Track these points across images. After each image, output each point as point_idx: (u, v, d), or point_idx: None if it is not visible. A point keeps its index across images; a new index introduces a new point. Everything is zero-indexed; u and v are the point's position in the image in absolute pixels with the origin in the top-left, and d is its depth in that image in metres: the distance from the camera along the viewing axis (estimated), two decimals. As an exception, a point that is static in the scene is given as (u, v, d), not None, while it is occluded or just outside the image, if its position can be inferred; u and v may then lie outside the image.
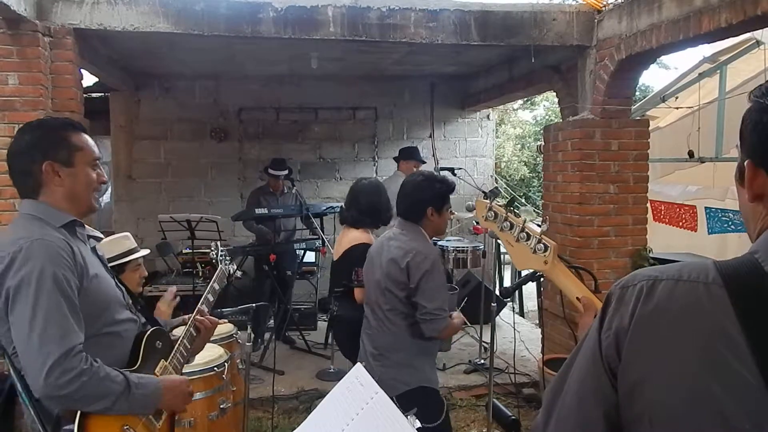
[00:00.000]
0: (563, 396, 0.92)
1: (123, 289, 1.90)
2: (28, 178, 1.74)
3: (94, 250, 1.88)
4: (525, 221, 1.35)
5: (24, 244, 1.61)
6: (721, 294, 0.80)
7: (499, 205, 1.40)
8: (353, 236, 3.36)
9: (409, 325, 2.71)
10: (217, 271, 2.45)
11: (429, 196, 2.77)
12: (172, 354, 1.91)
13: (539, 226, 1.39)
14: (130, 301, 1.92)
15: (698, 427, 0.79)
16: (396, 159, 6.03)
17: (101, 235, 2.26)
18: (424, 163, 6.11)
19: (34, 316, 1.56)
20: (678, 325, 0.82)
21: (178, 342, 1.96)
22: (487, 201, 1.43)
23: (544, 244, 1.32)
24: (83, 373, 1.55)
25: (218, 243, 2.64)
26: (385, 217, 3.43)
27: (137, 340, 1.82)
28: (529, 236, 1.34)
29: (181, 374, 1.95)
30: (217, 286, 2.34)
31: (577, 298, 1.26)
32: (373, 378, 2.36)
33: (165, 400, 1.75)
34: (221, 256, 2.55)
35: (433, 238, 3.24)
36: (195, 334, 2.04)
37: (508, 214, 1.38)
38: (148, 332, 1.84)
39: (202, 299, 2.19)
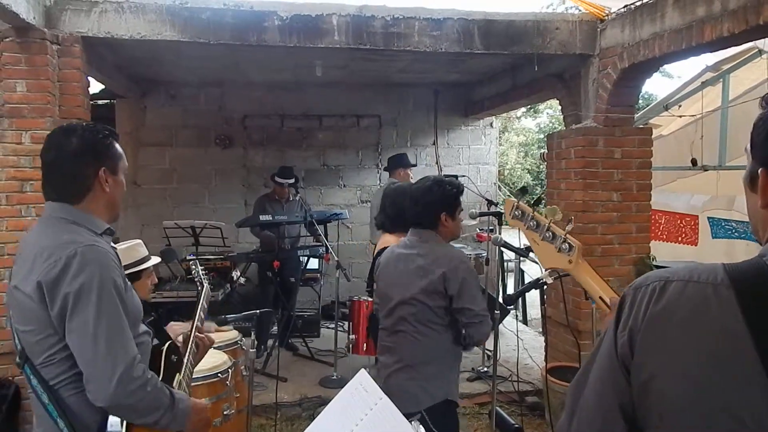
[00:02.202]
0: (585, 393, 0.95)
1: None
2: (77, 182, 1.69)
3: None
4: (551, 221, 1.36)
5: (78, 249, 1.56)
6: (728, 295, 0.83)
7: (526, 204, 1.42)
8: (385, 239, 3.31)
9: (445, 334, 2.61)
10: (204, 290, 2.39)
11: (440, 201, 2.68)
12: (183, 369, 1.90)
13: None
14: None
15: (704, 422, 0.81)
16: (388, 168, 6.01)
17: (115, 245, 2.25)
18: (414, 166, 6.10)
19: (98, 323, 1.53)
20: (686, 325, 0.84)
21: (186, 358, 1.95)
22: (515, 199, 1.45)
23: (569, 243, 1.34)
24: (148, 383, 1.57)
25: (197, 261, 2.58)
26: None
27: (156, 353, 1.79)
28: (554, 235, 1.36)
29: (191, 388, 1.95)
30: (206, 305, 2.33)
31: (600, 297, 1.28)
32: (396, 391, 2.35)
33: (192, 420, 1.72)
34: (203, 275, 2.49)
35: None
36: (196, 351, 2.05)
37: (535, 213, 1.39)
38: (167, 346, 1.83)
39: (195, 318, 2.17)
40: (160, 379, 1.72)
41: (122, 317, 1.58)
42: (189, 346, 2.01)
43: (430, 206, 2.69)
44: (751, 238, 5.36)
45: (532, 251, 3.19)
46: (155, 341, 1.86)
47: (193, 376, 2.76)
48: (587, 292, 1.34)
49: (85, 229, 1.65)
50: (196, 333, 2.07)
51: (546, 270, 2.70)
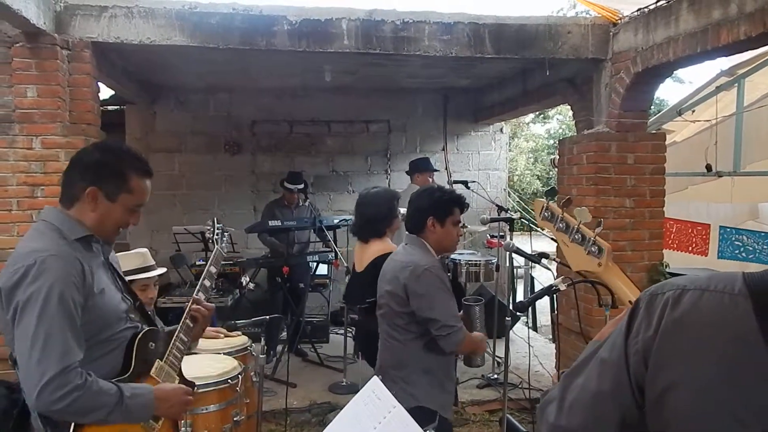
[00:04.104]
0: (582, 386, 0.94)
1: (130, 300, 1.90)
2: (70, 189, 1.78)
3: (106, 261, 1.88)
4: (580, 222, 1.33)
5: (38, 258, 1.63)
6: (745, 305, 0.81)
7: (557, 205, 1.39)
8: (378, 248, 3.24)
9: (416, 340, 2.59)
10: (213, 252, 2.28)
11: (427, 205, 2.67)
12: (167, 353, 1.91)
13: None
14: (134, 309, 1.90)
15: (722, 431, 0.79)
16: (408, 173, 6.01)
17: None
18: (437, 171, 6.08)
19: (36, 332, 1.59)
20: (701, 335, 0.82)
21: (173, 338, 1.94)
22: (545, 200, 1.43)
23: (598, 246, 1.31)
24: (76, 389, 1.59)
25: (215, 220, 2.44)
26: (381, 227, 3.27)
27: (130, 343, 1.82)
28: (583, 237, 1.33)
29: (180, 369, 1.95)
30: (213, 269, 2.21)
31: (630, 301, 1.25)
32: None
33: (160, 408, 1.78)
34: (218, 235, 2.37)
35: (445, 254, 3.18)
36: (192, 325, 2.03)
37: (565, 214, 1.36)
38: (140, 335, 1.83)
39: (198, 286, 2.12)
40: (131, 370, 1.78)
41: (63, 328, 1.61)
42: (182, 321, 2.00)
43: (418, 210, 2.70)
44: (761, 260, 5.27)
45: (544, 257, 3.16)
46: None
47: (204, 383, 2.76)
48: (613, 297, 1.31)
49: (58, 236, 1.72)
50: (192, 305, 2.04)
51: (559, 277, 2.66)
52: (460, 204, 2.74)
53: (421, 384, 2.60)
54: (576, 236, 1.34)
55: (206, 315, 2.06)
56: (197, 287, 2.12)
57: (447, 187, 3.03)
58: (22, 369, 1.62)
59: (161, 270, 3.03)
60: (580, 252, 1.34)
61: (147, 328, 1.88)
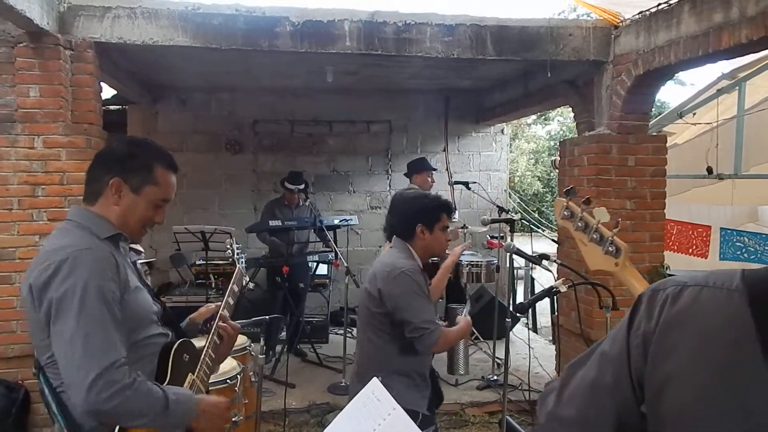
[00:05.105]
0: (582, 377, 0.95)
1: (160, 304, 1.85)
2: (95, 184, 1.74)
3: (134, 264, 1.85)
4: (599, 221, 1.34)
5: (71, 253, 1.57)
6: (741, 301, 0.81)
7: (577, 204, 1.40)
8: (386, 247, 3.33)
9: (390, 342, 2.61)
10: (236, 271, 2.27)
11: (416, 211, 2.69)
12: (198, 366, 1.84)
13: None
14: (161, 315, 1.84)
15: (715, 428, 0.79)
16: (407, 174, 6.00)
17: (141, 248, 2.19)
18: (435, 170, 6.06)
19: (77, 329, 1.51)
20: (698, 330, 0.83)
21: (203, 353, 1.88)
22: (565, 199, 1.43)
23: (616, 246, 1.32)
24: (127, 387, 1.51)
25: (233, 240, 2.48)
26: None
27: (164, 353, 1.75)
28: (602, 237, 1.34)
29: (208, 386, 1.88)
30: (236, 288, 2.19)
31: None
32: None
33: (199, 419, 1.69)
34: (237, 254, 2.40)
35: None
36: (218, 342, 1.96)
37: (584, 213, 1.37)
38: (176, 345, 1.77)
39: (223, 304, 2.07)
40: (168, 380, 1.69)
41: (105, 323, 1.54)
42: (210, 337, 1.94)
43: (407, 218, 2.71)
44: (763, 260, 5.27)
45: (545, 259, 3.17)
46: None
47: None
48: (614, 299, 1.31)
49: (88, 233, 1.66)
50: (219, 322, 1.98)
51: (560, 278, 2.66)
52: (448, 209, 2.76)
53: (396, 386, 2.54)
54: (594, 236, 1.35)
55: (231, 335, 2.00)
56: (222, 304, 2.07)
57: (433, 193, 3.04)
58: (65, 370, 1.53)
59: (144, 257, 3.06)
60: (597, 252, 1.34)
61: (182, 339, 1.82)
